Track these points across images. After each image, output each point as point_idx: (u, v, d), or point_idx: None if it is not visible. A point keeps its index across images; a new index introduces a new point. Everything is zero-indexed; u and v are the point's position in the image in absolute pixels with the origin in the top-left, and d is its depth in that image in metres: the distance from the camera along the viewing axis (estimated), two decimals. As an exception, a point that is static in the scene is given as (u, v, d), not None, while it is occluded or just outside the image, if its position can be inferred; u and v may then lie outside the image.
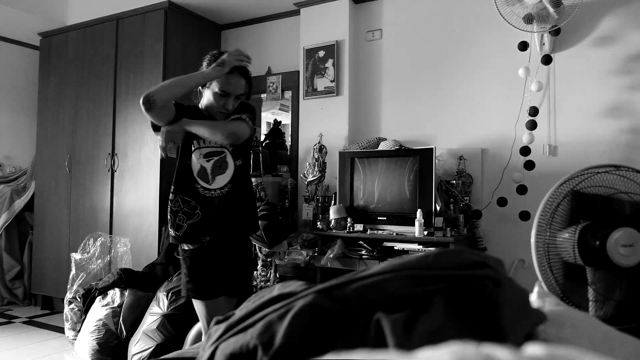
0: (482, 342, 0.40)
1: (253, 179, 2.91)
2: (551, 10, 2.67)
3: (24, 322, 3.98)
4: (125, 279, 3.08)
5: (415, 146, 3.13)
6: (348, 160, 3.17)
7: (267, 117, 4.10)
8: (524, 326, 0.69)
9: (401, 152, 3.03)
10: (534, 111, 2.89)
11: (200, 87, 2.05)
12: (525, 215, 2.85)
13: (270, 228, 2.98)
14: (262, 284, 3.12)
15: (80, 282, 3.34)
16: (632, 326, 1.55)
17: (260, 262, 3.12)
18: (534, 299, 0.94)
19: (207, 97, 2.04)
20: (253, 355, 0.66)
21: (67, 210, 4.17)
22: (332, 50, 3.56)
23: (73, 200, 4.14)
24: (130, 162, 3.83)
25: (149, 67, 3.77)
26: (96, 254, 3.51)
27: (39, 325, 3.89)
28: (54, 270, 4.19)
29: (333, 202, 3.25)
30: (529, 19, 2.74)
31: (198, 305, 2.03)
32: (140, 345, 2.67)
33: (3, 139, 4.74)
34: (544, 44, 2.93)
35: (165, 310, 2.73)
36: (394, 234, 2.90)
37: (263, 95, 3.99)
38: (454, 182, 3.02)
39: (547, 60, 2.87)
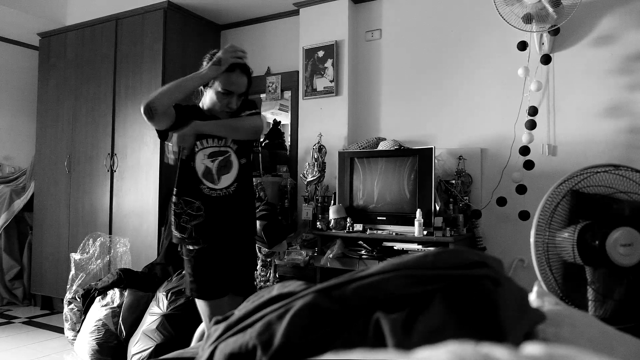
0: (481, 342, 0.40)
1: (253, 179, 2.91)
2: (550, 10, 2.67)
3: (23, 323, 3.98)
4: (124, 279, 3.08)
5: (414, 146, 3.13)
6: (347, 160, 3.17)
7: (267, 117, 4.10)
8: (522, 326, 0.69)
9: (400, 152, 3.03)
10: (533, 111, 2.89)
11: (201, 87, 2.04)
12: (524, 215, 2.85)
13: (269, 228, 2.98)
14: (262, 284, 3.12)
15: (79, 282, 3.34)
16: (631, 325, 1.56)
17: (259, 262, 3.12)
18: (533, 298, 0.94)
19: (209, 97, 2.03)
20: (252, 355, 0.66)
21: (66, 210, 4.17)
22: (331, 50, 3.56)
23: (72, 201, 4.14)
24: (129, 163, 3.83)
25: (148, 67, 3.77)
26: (96, 254, 3.51)
27: (39, 326, 3.89)
28: (54, 270, 4.19)
29: (332, 202, 3.25)
30: (528, 19, 2.74)
31: (202, 305, 2.03)
32: (139, 345, 2.67)
33: (2, 139, 4.73)
34: (543, 43, 2.93)
35: (165, 310, 2.73)
36: (394, 233, 2.90)
37: (262, 96, 3.99)
38: (454, 181, 3.02)
39: (546, 60, 2.87)
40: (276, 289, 0.77)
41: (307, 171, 3.36)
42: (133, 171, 3.81)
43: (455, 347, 0.38)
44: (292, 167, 3.75)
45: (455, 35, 3.28)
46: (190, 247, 2.03)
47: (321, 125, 3.50)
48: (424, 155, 2.87)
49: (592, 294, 1.78)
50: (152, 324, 2.71)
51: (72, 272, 3.40)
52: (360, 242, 2.97)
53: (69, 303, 3.23)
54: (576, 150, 2.88)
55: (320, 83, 3.61)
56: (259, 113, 2.12)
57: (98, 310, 2.98)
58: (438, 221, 2.80)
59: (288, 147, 3.92)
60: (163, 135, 2.03)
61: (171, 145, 1.99)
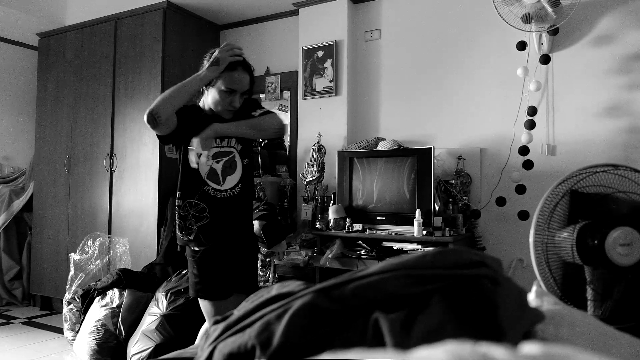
0: (479, 341, 0.40)
1: (254, 180, 2.92)
2: (549, 9, 2.67)
3: (22, 323, 3.98)
4: (124, 279, 3.08)
5: (413, 146, 3.13)
6: (347, 160, 3.17)
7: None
8: (521, 325, 0.69)
9: (400, 152, 3.03)
10: (532, 111, 2.89)
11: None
12: (524, 215, 2.85)
13: (269, 228, 2.98)
14: (261, 284, 3.12)
15: (79, 282, 3.34)
16: (630, 325, 1.56)
17: (259, 262, 3.12)
18: (532, 298, 0.94)
19: (212, 96, 2.01)
20: (251, 355, 0.66)
21: (65, 210, 4.17)
22: (330, 50, 3.56)
23: (72, 201, 4.14)
24: (129, 163, 3.83)
25: (147, 67, 3.77)
26: (95, 255, 3.51)
27: (38, 326, 3.89)
28: (53, 270, 4.19)
29: (332, 202, 3.25)
30: (527, 19, 2.74)
31: (207, 306, 2.02)
32: (139, 345, 2.67)
33: (1, 139, 4.73)
34: (542, 43, 2.93)
35: (164, 310, 2.73)
36: (393, 233, 2.90)
37: (262, 96, 3.99)
38: (453, 181, 3.02)
39: (545, 59, 2.87)
40: (275, 289, 0.77)
41: (306, 171, 3.36)
42: (132, 171, 3.80)
43: (454, 346, 0.38)
44: (292, 167, 3.75)
45: (455, 35, 3.28)
46: (196, 248, 2.02)
47: (320, 125, 3.50)
48: (423, 155, 2.87)
49: (591, 293, 1.78)
50: (151, 324, 2.71)
51: (72, 272, 3.40)
52: (360, 242, 2.98)
53: (69, 303, 3.23)
54: (575, 150, 2.88)
55: (320, 83, 3.61)
56: (272, 111, 2.12)
57: (97, 311, 2.98)
58: (437, 221, 2.80)
59: (287, 147, 3.92)
60: (165, 140, 2.02)
61: (193, 149, 1.95)
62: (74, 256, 3.46)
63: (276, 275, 3.14)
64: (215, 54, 1.94)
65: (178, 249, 2.17)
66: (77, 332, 3.06)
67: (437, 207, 2.85)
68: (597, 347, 0.78)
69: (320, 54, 3.61)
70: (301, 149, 3.65)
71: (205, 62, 2.01)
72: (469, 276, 0.68)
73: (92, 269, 3.47)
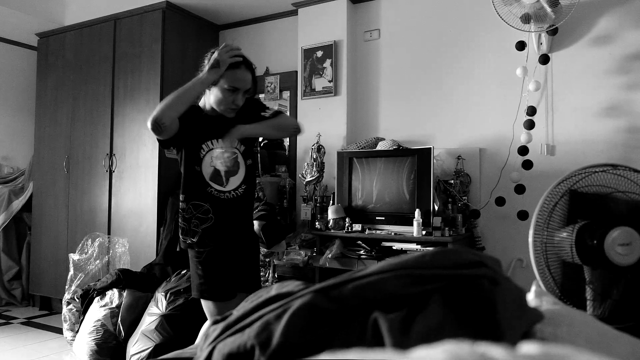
0: (478, 341, 0.40)
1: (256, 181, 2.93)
2: (548, 9, 2.67)
3: (22, 323, 3.97)
4: (123, 279, 3.08)
5: (413, 146, 3.13)
6: (346, 160, 3.17)
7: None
8: (520, 325, 0.69)
9: (399, 152, 3.03)
10: (531, 111, 2.89)
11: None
12: (523, 215, 2.85)
13: (268, 228, 2.98)
14: (261, 284, 3.12)
15: (78, 282, 3.33)
16: (629, 325, 1.56)
17: (260, 265, 3.12)
18: (531, 298, 0.95)
19: (214, 95, 1.99)
20: (250, 355, 0.66)
21: (65, 210, 4.16)
22: (330, 50, 3.57)
23: (71, 201, 4.13)
24: (128, 163, 3.83)
25: (146, 67, 3.77)
26: (94, 255, 3.51)
27: (37, 326, 3.88)
28: (52, 270, 4.19)
29: (331, 202, 3.25)
30: (526, 19, 2.74)
31: (210, 306, 2.01)
32: (138, 345, 2.67)
33: (1, 139, 4.73)
34: (541, 43, 2.93)
35: (164, 310, 2.73)
36: (393, 233, 2.90)
37: (261, 96, 3.99)
38: (452, 181, 3.02)
39: (544, 59, 2.87)
40: (274, 289, 0.77)
41: (305, 171, 3.36)
42: (132, 171, 3.80)
43: (452, 346, 0.38)
44: (291, 167, 3.75)
45: (454, 35, 3.29)
46: (201, 250, 2.02)
47: (320, 125, 3.50)
48: (423, 155, 2.87)
49: (590, 293, 1.78)
50: (151, 324, 2.71)
51: (71, 272, 3.39)
52: (359, 242, 2.98)
53: (68, 303, 3.22)
54: (574, 150, 2.88)
55: (319, 83, 3.61)
56: (281, 111, 2.15)
57: (97, 311, 2.98)
58: (437, 221, 2.80)
59: (287, 147, 3.92)
60: (165, 144, 2.01)
61: (221, 151, 1.97)
62: (74, 256, 3.46)
63: (275, 275, 3.14)
64: (215, 56, 1.93)
65: (178, 249, 2.18)
66: (77, 332, 3.06)
67: (436, 207, 2.85)
68: (596, 347, 0.78)
69: (319, 54, 3.61)
70: (300, 149, 3.65)
71: (206, 61, 2.00)
72: (468, 276, 0.68)
73: (92, 269, 3.46)
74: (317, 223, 3.18)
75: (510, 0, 2.73)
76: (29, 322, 4.00)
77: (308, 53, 3.65)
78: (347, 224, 3.02)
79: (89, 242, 3.55)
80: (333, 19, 3.59)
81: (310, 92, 3.64)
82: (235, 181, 2.04)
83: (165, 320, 2.69)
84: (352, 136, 3.53)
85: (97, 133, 4.01)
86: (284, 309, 0.68)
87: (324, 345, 0.62)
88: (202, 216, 2.00)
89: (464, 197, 3.01)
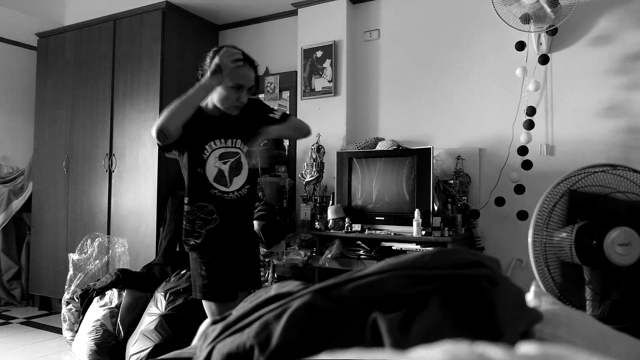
0: (477, 341, 0.40)
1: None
2: (548, 10, 2.68)
3: (21, 323, 3.97)
4: (123, 279, 3.08)
5: (412, 146, 3.13)
6: (346, 160, 3.17)
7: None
8: (519, 325, 0.69)
9: (399, 152, 3.03)
10: (531, 111, 2.90)
11: (208, 75, 1.99)
12: (522, 215, 2.85)
13: (268, 228, 2.98)
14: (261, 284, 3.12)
15: (77, 282, 3.33)
16: (628, 325, 1.56)
17: (260, 264, 3.12)
18: (530, 298, 0.95)
19: (219, 93, 1.99)
20: (250, 355, 0.66)
21: (64, 210, 4.16)
22: (329, 51, 3.57)
23: (71, 201, 4.13)
24: (127, 163, 3.83)
25: (146, 67, 3.77)
26: (94, 255, 3.51)
27: (37, 326, 3.88)
28: (52, 270, 4.19)
29: (331, 202, 3.25)
30: (526, 19, 2.75)
31: (212, 307, 2.00)
32: (138, 345, 2.67)
33: (0, 139, 4.73)
34: (541, 43, 2.93)
35: (163, 310, 2.73)
36: (392, 234, 2.90)
37: (261, 96, 3.99)
38: (452, 182, 3.02)
39: (544, 60, 2.87)
40: (274, 289, 0.77)
41: (305, 171, 3.36)
42: (131, 171, 3.80)
43: (451, 346, 0.38)
44: (291, 167, 3.75)
45: (453, 35, 3.29)
46: (205, 251, 2.01)
47: (320, 126, 3.50)
48: (422, 156, 2.87)
49: (589, 293, 1.78)
50: (150, 324, 2.71)
51: (70, 272, 3.39)
52: (359, 242, 2.98)
53: (67, 303, 3.22)
54: (574, 150, 2.88)
55: (319, 83, 3.61)
56: (288, 113, 2.19)
57: (96, 311, 2.98)
58: (436, 221, 2.80)
59: (286, 147, 3.92)
60: (167, 149, 2.00)
61: (254, 151, 2.00)
62: (73, 256, 3.46)
63: (275, 276, 3.14)
64: (216, 61, 1.91)
65: (177, 249, 2.18)
66: (76, 332, 3.06)
67: (436, 207, 2.85)
68: (596, 347, 0.78)
69: (319, 54, 3.61)
70: (300, 149, 3.65)
71: (207, 60, 1.98)
72: (467, 276, 0.68)
73: (91, 269, 3.46)
74: (316, 223, 3.18)
75: (510, 1, 2.73)
76: (28, 322, 3.99)
77: (308, 53, 3.65)
78: (346, 224, 3.02)
79: (89, 242, 3.55)
80: (333, 19, 3.59)
81: (310, 92, 3.65)
82: (238, 181, 2.04)
83: (165, 320, 2.69)
84: (352, 136, 3.53)
85: (97, 133, 4.01)
86: (284, 309, 0.68)
87: (323, 345, 0.62)
88: (206, 217, 1.99)
89: (463, 197, 3.01)
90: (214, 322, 0.82)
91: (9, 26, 4.41)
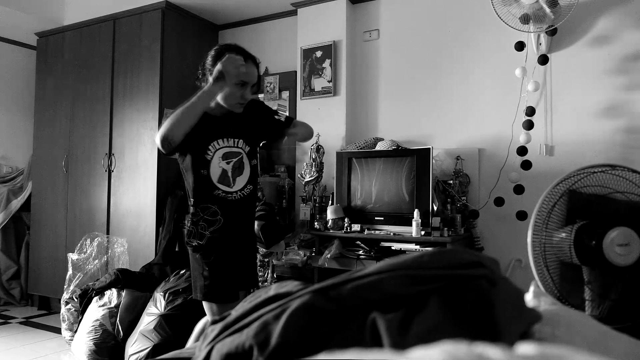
0: (476, 341, 0.40)
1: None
2: (547, 10, 2.68)
3: (20, 323, 3.97)
4: (122, 279, 3.08)
5: (412, 146, 3.14)
6: (345, 160, 3.17)
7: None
8: (518, 325, 0.69)
9: (398, 152, 3.03)
10: (530, 111, 2.90)
11: (211, 81, 1.97)
12: (522, 215, 2.85)
13: (267, 228, 2.98)
14: (260, 284, 3.12)
15: (77, 282, 3.33)
16: (628, 325, 1.56)
17: (258, 263, 3.12)
18: (529, 298, 0.95)
19: (224, 91, 1.99)
20: (249, 355, 0.66)
21: (64, 210, 4.16)
22: (329, 51, 3.57)
23: (70, 201, 4.13)
24: (127, 163, 3.83)
25: (146, 67, 3.77)
26: (93, 254, 3.51)
27: (36, 326, 3.88)
28: (51, 270, 4.18)
29: (330, 202, 3.25)
30: (525, 19, 2.75)
31: (213, 308, 1.99)
32: (137, 345, 2.67)
33: (0, 139, 4.72)
34: (540, 44, 2.93)
35: (163, 310, 2.73)
36: (392, 234, 2.90)
37: (260, 96, 3.99)
38: (451, 182, 3.02)
39: (543, 60, 2.87)
40: (273, 289, 0.77)
41: (305, 171, 3.36)
42: (131, 171, 3.80)
43: (450, 346, 0.38)
44: (290, 167, 3.75)
45: (453, 35, 3.29)
46: (209, 252, 2.00)
47: (319, 126, 3.48)
48: (422, 156, 2.87)
49: (589, 293, 1.78)
50: (149, 324, 2.71)
51: (70, 272, 3.39)
52: (358, 242, 2.98)
53: (67, 303, 3.22)
54: (573, 151, 2.88)
55: (318, 83, 3.61)
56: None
57: (95, 311, 2.98)
58: (436, 221, 2.80)
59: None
60: (169, 154, 1.98)
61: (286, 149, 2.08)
62: (72, 256, 3.45)
63: (274, 276, 3.14)
64: (219, 67, 1.90)
65: (177, 249, 2.17)
66: (75, 332, 3.05)
67: (435, 208, 2.85)
68: (595, 347, 0.78)
69: (318, 54, 3.61)
70: (300, 149, 3.65)
71: (208, 59, 1.99)
72: (466, 276, 0.68)
73: (90, 268, 3.46)
74: (316, 223, 3.18)
75: (510, 1, 2.73)
76: (27, 322, 3.99)
77: (307, 53, 3.65)
78: (346, 224, 3.02)
79: (88, 241, 3.55)
80: (332, 19, 3.59)
81: (309, 92, 3.65)
82: (241, 181, 2.04)
83: (164, 320, 2.69)
84: (351, 136, 3.53)
85: (96, 133, 4.01)
86: (283, 309, 0.68)
87: (322, 345, 0.62)
88: (210, 218, 1.98)
89: (463, 198, 3.01)
90: (214, 322, 0.82)
91: (8, 26, 4.41)
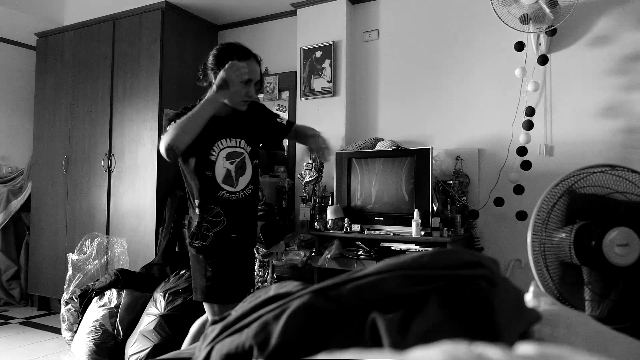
0: (475, 342, 0.40)
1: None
2: (547, 10, 2.68)
3: (20, 323, 3.97)
4: (122, 279, 3.08)
5: (412, 146, 3.14)
6: (345, 160, 3.17)
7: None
8: (518, 326, 0.69)
9: (398, 153, 3.03)
10: (530, 111, 2.90)
11: (214, 80, 1.97)
12: (522, 215, 2.85)
13: (267, 228, 2.98)
14: (260, 284, 3.12)
15: (77, 282, 3.33)
16: (627, 325, 1.56)
17: (257, 263, 3.12)
18: (529, 298, 0.95)
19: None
20: (249, 355, 0.66)
21: (63, 210, 4.16)
22: (329, 51, 3.57)
23: (70, 201, 4.13)
24: (127, 163, 3.83)
25: (145, 67, 3.77)
26: (93, 255, 3.50)
27: (36, 326, 3.88)
28: (51, 270, 4.18)
29: (330, 202, 3.25)
30: (525, 19, 2.75)
31: (215, 308, 1.99)
32: (137, 345, 2.67)
33: (0, 139, 4.73)
34: (540, 44, 2.93)
35: (163, 310, 2.73)
36: (391, 234, 2.90)
37: (260, 96, 3.99)
38: (451, 182, 3.02)
39: (543, 60, 2.88)
40: (273, 290, 0.77)
41: (304, 171, 3.36)
42: (130, 171, 3.80)
43: (449, 346, 0.38)
44: (290, 168, 3.75)
45: (453, 35, 3.29)
46: (213, 252, 2.00)
47: (319, 126, 3.45)
48: (422, 156, 2.87)
49: (588, 294, 1.78)
50: (149, 324, 2.71)
51: (70, 272, 3.39)
52: (358, 242, 2.98)
53: (66, 303, 3.22)
54: (573, 151, 2.88)
55: (318, 83, 3.61)
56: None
57: (95, 311, 2.98)
58: (435, 221, 2.80)
59: (286, 148, 3.92)
60: (174, 160, 2.00)
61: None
62: (72, 256, 3.45)
63: (274, 276, 3.14)
64: (222, 75, 1.89)
65: (176, 249, 2.17)
66: (75, 332, 3.05)
67: (435, 208, 2.85)
68: (594, 347, 0.78)
69: (318, 54, 3.61)
70: (300, 149, 3.65)
71: (210, 59, 1.99)
72: (466, 276, 0.68)
73: (90, 269, 3.46)
74: (315, 223, 3.18)
75: (509, 1, 2.74)
76: (27, 322, 3.99)
77: (307, 53, 3.65)
78: (345, 225, 3.02)
79: (88, 242, 3.55)
80: (332, 19, 3.59)
81: (309, 92, 3.65)
82: (243, 181, 2.04)
83: (164, 321, 2.69)
84: (351, 136, 3.54)
85: (96, 133, 4.01)
86: (283, 310, 0.68)
87: (322, 345, 0.62)
88: (213, 219, 1.98)
89: (462, 198, 3.01)
90: (214, 323, 0.82)
91: (8, 26, 4.41)
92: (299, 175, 3.46)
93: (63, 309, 3.22)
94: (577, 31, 2.90)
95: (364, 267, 0.75)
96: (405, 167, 2.95)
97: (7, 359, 3.16)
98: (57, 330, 3.56)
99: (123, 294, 3.00)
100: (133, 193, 3.77)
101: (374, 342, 0.60)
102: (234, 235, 2.02)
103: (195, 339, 2.12)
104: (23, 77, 4.84)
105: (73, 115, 4.17)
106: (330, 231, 3.06)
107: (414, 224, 2.75)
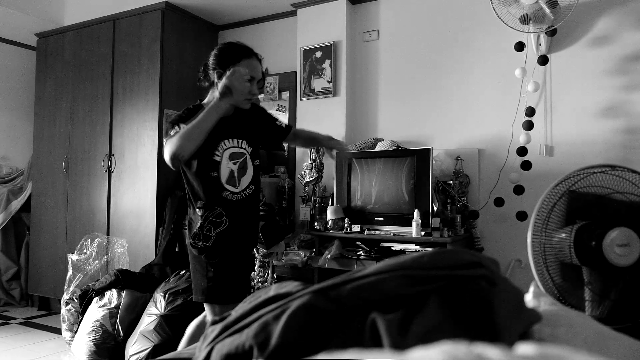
0: (475, 342, 0.40)
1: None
2: (547, 10, 2.68)
3: (20, 323, 3.97)
4: (122, 279, 3.08)
5: (412, 147, 3.14)
6: (345, 160, 3.17)
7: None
8: (518, 326, 0.69)
9: (398, 153, 3.03)
10: (530, 111, 2.90)
11: (216, 80, 1.98)
12: (522, 216, 2.85)
13: (267, 229, 2.98)
14: (260, 284, 3.12)
15: (77, 283, 3.33)
16: (627, 326, 1.56)
17: (257, 263, 3.12)
18: (529, 298, 0.95)
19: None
20: (249, 355, 0.66)
21: (64, 211, 4.16)
22: (329, 51, 3.57)
23: (70, 201, 4.13)
24: (127, 163, 3.83)
25: (146, 67, 3.77)
26: (93, 255, 3.51)
27: (36, 327, 3.88)
28: (51, 271, 4.18)
29: (330, 202, 3.25)
30: (525, 20, 2.75)
31: (215, 308, 1.98)
32: (137, 346, 2.67)
33: (0, 139, 4.72)
34: (540, 44, 2.93)
35: (163, 311, 2.73)
36: (391, 234, 2.90)
37: (260, 96, 3.99)
38: (451, 182, 3.02)
39: (543, 60, 2.88)
40: (273, 290, 0.77)
41: (304, 172, 3.37)
42: (130, 172, 3.80)
43: (449, 346, 0.38)
44: (290, 168, 3.76)
45: (453, 35, 3.29)
46: (215, 253, 1.99)
47: (319, 126, 3.49)
48: (422, 156, 2.87)
49: (588, 294, 1.78)
50: (149, 324, 2.71)
51: (70, 272, 3.39)
52: (358, 242, 2.98)
53: (67, 304, 3.22)
54: (573, 151, 2.88)
55: (318, 84, 3.61)
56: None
57: (95, 311, 2.98)
58: (435, 222, 2.80)
59: (286, 148, 3.92)
60: (176, 164, 2.00)
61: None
62: (72, 256, 3.45)
63: (274, 276, 3.14)
64: (225, 82, 1.90)
65: (177, 250, 2.17)
66: (75, 332, 3.05)
67: (435, 208, 2.85)
68: (594, 347, 0.78)
69: (318, 54, 3.61)
70: (300, 149, 3.65)
71: (211, 59, 2.00)
72: (466, 277, 0.68)
73: (90, 269, 3.46)
74: (316, 223, 3.18)
75: (509, 1, 2.74)
76: (27, 323, 3.99)
77: (307, 54, 3.66)
78: (346, 225, 3.02)
79: (88, 242, 3.55)
80: (332, 19, 3.59)
81: (309, 92, 3.65)
82: (245, 182, 2.05)
83: (164, 321, 2.69)
84: (351, 137, 3.54)
85: (96, 133, 4.01)
86: (283, 310, 0.68)
87: (322, 345, 0.62)
88: (215, 220, 1.98)
89: (462, 198, 3.01)
90: (214, 323, 0.82)
91: (8, 26, 4.41)
92: (299, 176, 3.47)
93: (63, 309, 3.22)
94: (577, 31, 2.90)
95: (364, 267, 0.75)
96: (405, 167, 2.95)
97: (7, 359, 3.16)
98: (58, 331, 3.56)
99: (123, 294, 3.00)
100: (133, 193, 3.77)
101: (374, 342, 0.60)
102: (235, 235, 2.02)
103: (191, 340, 2.12)
104: (23, 78, 4.84)
105: (73, 115, 4.17)
106: (331, 231, 3.06)
107: (414, 224, 2.75)
